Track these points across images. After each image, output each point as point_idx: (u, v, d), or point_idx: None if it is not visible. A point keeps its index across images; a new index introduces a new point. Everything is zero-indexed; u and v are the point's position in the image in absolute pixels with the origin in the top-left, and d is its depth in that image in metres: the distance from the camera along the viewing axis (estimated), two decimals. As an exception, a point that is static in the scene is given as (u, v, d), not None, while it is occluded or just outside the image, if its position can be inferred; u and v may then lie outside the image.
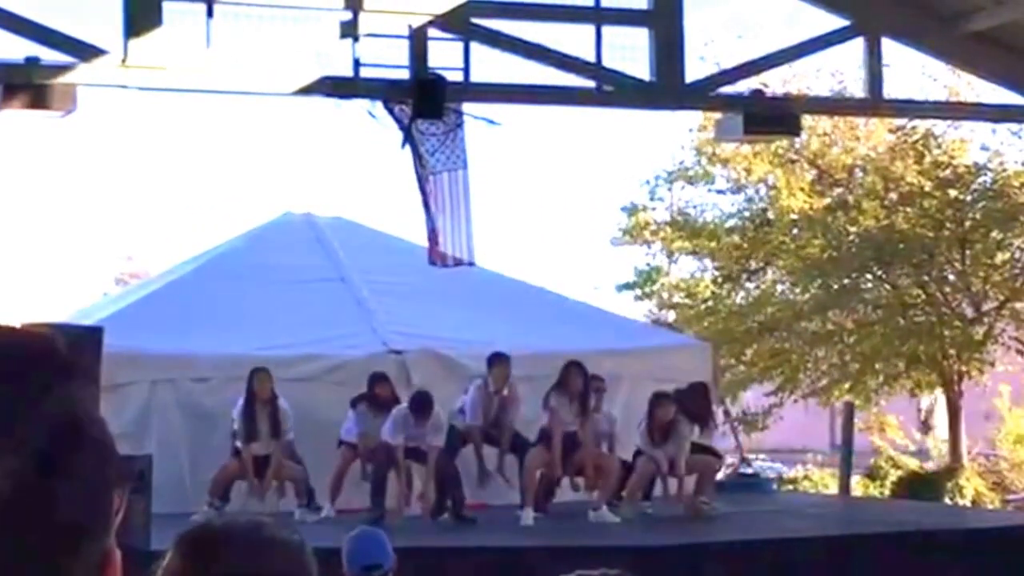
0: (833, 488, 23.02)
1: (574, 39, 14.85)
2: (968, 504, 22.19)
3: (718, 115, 17.01)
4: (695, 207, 27.06)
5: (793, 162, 25.40)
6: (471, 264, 15.11)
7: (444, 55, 14.39)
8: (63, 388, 1.55)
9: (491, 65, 14.62)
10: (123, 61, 13.09)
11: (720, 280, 26.91)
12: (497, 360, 15.49)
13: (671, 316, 27.84)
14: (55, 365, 1.56)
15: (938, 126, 24.36)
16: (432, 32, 14.23)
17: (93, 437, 1.57)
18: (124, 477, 1.61)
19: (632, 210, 27.10)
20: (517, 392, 15.51)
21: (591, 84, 14.96)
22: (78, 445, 1.54)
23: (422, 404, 14.85)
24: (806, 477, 25.11)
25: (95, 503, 1.55)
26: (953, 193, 24.08)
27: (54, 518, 1.51)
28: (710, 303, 26.74)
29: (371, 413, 15.37)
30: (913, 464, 25.23)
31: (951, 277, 24.56)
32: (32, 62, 12.95)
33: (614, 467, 15.38)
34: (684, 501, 15.42)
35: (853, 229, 24.49)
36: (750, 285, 27.05)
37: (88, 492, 1.54)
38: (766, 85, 16.54)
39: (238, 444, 15.33)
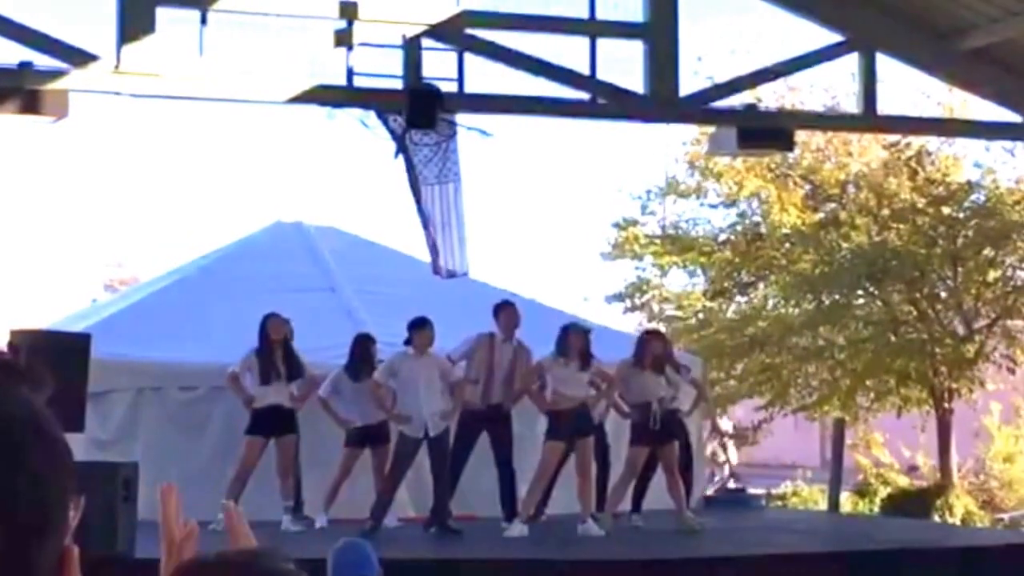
0: (822, 504, 23.00)
1: (569, 51, 14.84)
2: (958, 522, 22.16)
3: (712, 129, 17.00)
4: (687, 221, 27.05)
5: (786, 177, 25.38)
6: (464, 275, 15.08)
7: (438, 65, 14.37)
8: (11, 389, 1.55)
9: (485, 76, 14.60)
10: (116, 67, 13.06)
11: (711, 294, 26.88)
12: (504, 306, 15.51)
13: (661, 329, 27.78)
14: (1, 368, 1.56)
15: (931, 143, 24.36)
16: (426, 42, 14.21)
17: (48, 435, 1.57)
18: (78, 479, 1.61)
19: (623, 225, 27.05)
20: (526, 344, 15.50)
21: (585, 96, 14.94)
22: (33, 441, 1.54)
23: (421, 321, 14.88)
24: (795, 493, 25.09)
25: (52, 500, 1.55)
26: (946, 210, 24.06)
27: (12, 513, 1.50)
28: (701, 316, 26.71)
29: (349, 376, 15.44)
30: (903, 481, 25.20)
31: (943, 294, 24.53)
32: (25, 67, 12.92)
33: (592, 478, 15.36)
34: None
35: (845, 245, 24.46)
36: (741, 299, 27.01)
37: (45, 488, 1.54)
38: (760, 100, 16.54)
39: (250, 393, 15.27)
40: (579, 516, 14.97)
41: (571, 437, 14.99)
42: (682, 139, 26.27)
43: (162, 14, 13.26)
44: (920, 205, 24.10)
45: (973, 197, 24.38)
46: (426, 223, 14.62)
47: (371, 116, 14.32)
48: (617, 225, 27.29)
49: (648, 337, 16.25)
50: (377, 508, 14.79)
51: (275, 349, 15.31)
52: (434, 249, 14.75)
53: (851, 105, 18.12)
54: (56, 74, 12.96)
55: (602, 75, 14.68)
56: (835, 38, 15.66)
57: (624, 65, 14.80)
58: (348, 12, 13.80)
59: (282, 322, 15.38)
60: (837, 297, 24.64)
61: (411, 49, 14.10)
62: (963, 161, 24.84)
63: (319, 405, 15.48)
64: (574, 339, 15.02)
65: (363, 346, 15.56)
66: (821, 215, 25.27)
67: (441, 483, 14.98)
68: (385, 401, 15.08)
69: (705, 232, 26.71)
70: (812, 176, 25.43)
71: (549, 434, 15.06)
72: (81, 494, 1.61)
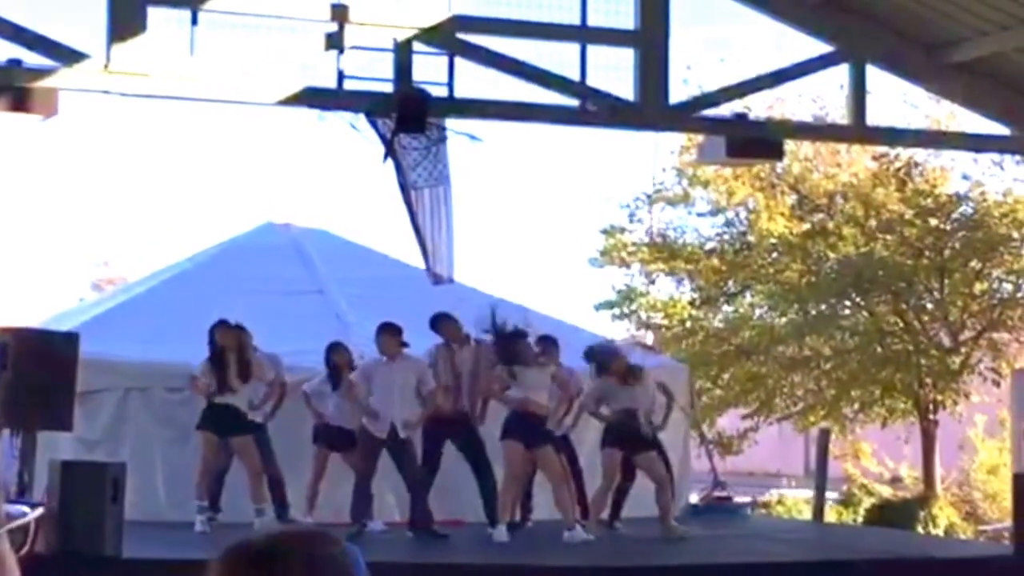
0: (806, 514, 22.98)
1: (560, 57, 14.82)
2: (941, 533, 22.17)
3: (701, 137, 17.00)
4: (675, 229, 27.04)
5: (774, 186, 25.39)
6: (451, 282, 15.08)
7: (429, 70, 14.36)
8: None
9: (475, 81, 14.59)
10: (106, 66, 13.03)
11: (698, 302, 26.87)
12: (440, 319, 15.60)
13: (649, 337, 27.77)
14: None
15: (920, 154, 24.38)
16: (417, 46, 14.19)
17: None
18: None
19: (610, 231, 27.03)
20: (487, 348, 15.55)
21: (575, 103, 14.94)
22: None
23: (383, 327, 14.91)
24: (779, 502, 25.08)
25: None
26: (933, 222, 24.09)
27: None
28: (688, 324, 26.69)
29: (328, 384, 15.57)
30: (887, 492, 25.22)
31: (929, 306, 24.55)
32: (14, 65, 12.89)
33: (568, 484, 15.30)
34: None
35: (832, 255, 24.49)
36: (728, 308, 27.01)
37: None
38: (749, 109, 16.54)
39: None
40: (564, 524, 14.92)
41: (527, 445, 14.81)
42: (671, 147, 26.30)
43: (153, 14, 13.24)
44: (908, 216, 24.13)
45: (961, 209, 24.42)
46: (416, 227, 14.61)
47: (361, 119, 14.30)
48: (605, 232, 27.28)
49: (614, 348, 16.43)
50: (356, 508, 14.76)
51: (227, 356, 15.29)
52: (424, 253, 14.75)
53: (838, 114, 18.12)
54: (46, 72, 12.93)
55: (592, 82, 14.68)
56: (825, 48, 15.68)
57: (615, 72, 14.79)
58: (339, 15, 13.78)
59: (230, 329, 15.35)
60: (823, 307, 24.67)
61: (402, 53, 14.09)
62: (951, 173, 24.89)
63: (302, 400, 15.64)
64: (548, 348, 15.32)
65: (334, 354, 15.65)
66: (808, 225, 25.29)
67: (414, 489, 15.00)
68: (360, 395, 15.11)
69: (693, 240, 26.71)
70: (800, 186, 25.44)
71: (504, 434, 14.92)
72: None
